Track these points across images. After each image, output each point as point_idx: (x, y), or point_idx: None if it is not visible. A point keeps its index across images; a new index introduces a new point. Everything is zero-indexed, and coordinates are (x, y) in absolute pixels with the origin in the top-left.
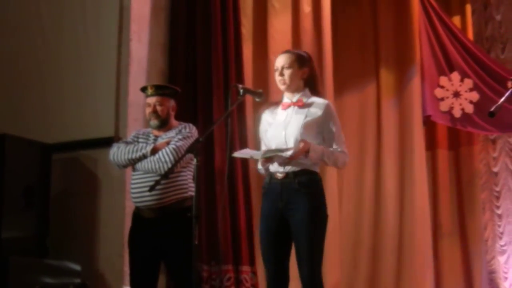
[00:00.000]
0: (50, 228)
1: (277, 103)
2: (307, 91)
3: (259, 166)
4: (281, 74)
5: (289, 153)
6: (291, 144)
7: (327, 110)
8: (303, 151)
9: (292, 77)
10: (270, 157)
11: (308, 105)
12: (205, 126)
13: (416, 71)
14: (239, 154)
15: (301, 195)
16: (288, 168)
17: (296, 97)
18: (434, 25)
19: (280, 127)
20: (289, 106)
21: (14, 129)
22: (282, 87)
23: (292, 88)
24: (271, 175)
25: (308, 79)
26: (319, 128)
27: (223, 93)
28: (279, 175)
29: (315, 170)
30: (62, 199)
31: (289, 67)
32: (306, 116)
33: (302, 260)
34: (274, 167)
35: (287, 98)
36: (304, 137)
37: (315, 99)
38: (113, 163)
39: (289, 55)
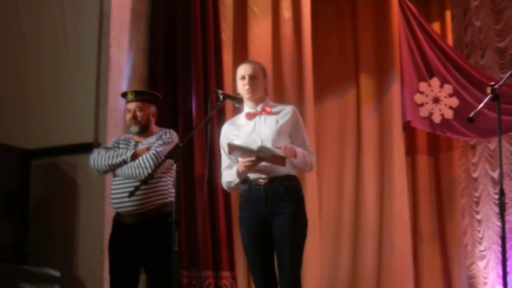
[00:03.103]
0: (29, 234)
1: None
2: (267, 99)
3: (229, 179)
4: (249, 83)
5: (281, 152)
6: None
7: (295, 115)
8: (293, 153)
9: (259, 86)
10: (254, 162)
11: (277, 112)
12: (185, 132)
13: (396, 77)
14: (234, 145)
15: (286, 199)
16: (272, 173)
17: (259, 106)
18: (414, 31)
19: (254, 135)
20: (254, 115)
21: None
22: (248, 95)
23: (257, 97)
24: (251, 182)
25: (267, 89)
26: (290, 132)
27: (203, 98)
28: (262, 181)
29: (296, 175)
30: (41, 205)
31: (256, 76)
32: (277, 122)
33: (283, 264)
34: (254, 174)
35: (250, 108)
36: (279, 142)
37: (281, 107)
38: (94, 169)
39: (254, 65)
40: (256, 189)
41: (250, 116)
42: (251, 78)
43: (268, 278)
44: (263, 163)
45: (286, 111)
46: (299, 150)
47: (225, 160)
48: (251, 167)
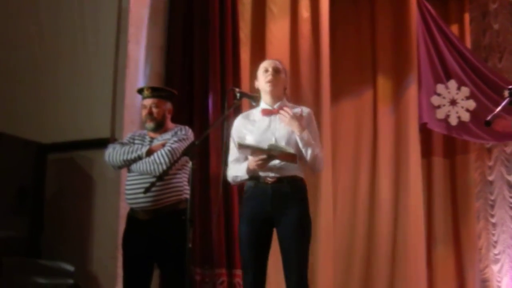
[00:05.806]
0: (44, 229)
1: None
2: (285, 100)
3: (236, 173)
4: (273, 74)
5: (291, 150)
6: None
7: (309, 117)
8: (303, 125)
9: (280, 81)
10: (265, 161)
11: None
12: (201, 129)
13: (413, 79)
14: (244, 144)
15: (292, 200)
16: (280, 173)
17: (276, 104)
18: (432, 33)
19: (268, 133)
20: (271, 113)
21: (10, 128)
22: (269, 88)
23: (276, 93)
24: (259, 179)
25: (286, 89)
26: None
27: (220, 96)
28: (270, 179)
29: (303, 177)
30: (56, 199)
31: (279, 71)
32: None
33: (290, 267)
34: (263, 172)
35: (267, 105)
36: (293, 141)
37: (298, 108)
38: (109, 164)
39: (279, 62)
40: (263, 187)
41: (266, 113)
42: (275, 71)
43: (257, 275)
44: (274, 162)
45: (302, 113)
46: (308, 133)
47: (234, 152)
48: (263, 165)
